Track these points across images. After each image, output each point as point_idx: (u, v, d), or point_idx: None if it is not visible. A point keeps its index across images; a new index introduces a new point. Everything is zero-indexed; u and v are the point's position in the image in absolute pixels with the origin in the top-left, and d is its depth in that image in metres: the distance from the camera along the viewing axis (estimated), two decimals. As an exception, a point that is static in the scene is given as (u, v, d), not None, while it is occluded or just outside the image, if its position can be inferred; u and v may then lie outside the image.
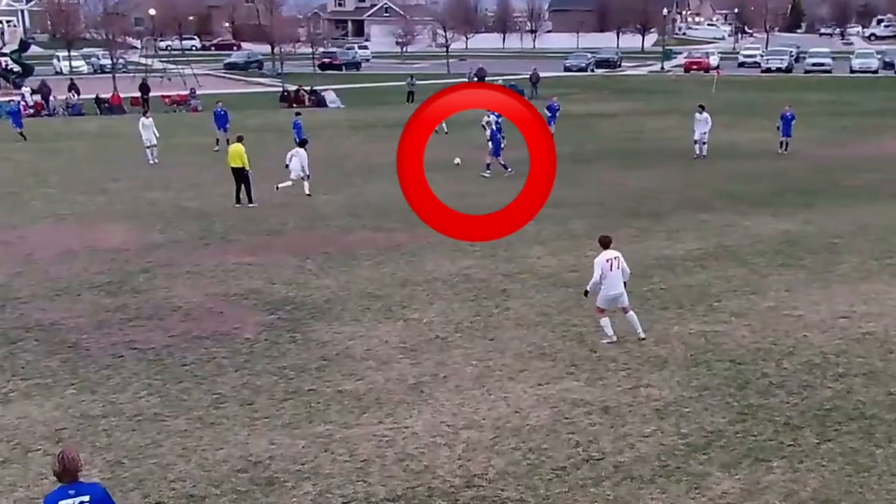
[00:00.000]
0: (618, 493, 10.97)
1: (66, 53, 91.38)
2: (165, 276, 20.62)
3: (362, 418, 13.14)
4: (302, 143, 30.50)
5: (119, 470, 11.71)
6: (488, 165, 32.85)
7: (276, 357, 15.56)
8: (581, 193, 29.33)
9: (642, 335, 15.98)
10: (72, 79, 67.76)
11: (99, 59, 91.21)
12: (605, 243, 15.84)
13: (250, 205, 27.95)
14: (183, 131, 47.42)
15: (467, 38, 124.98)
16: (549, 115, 42.25)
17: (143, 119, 37.31)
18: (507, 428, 12.77)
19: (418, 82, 67.78)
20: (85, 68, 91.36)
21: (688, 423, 12.75)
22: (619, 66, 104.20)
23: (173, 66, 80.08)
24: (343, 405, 13.61)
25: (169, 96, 63.17)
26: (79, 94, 61.46)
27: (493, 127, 33.33)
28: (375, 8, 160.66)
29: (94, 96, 61.64)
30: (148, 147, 36.88)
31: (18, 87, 68.28)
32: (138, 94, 61.89)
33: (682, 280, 19.77)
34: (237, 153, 28.09)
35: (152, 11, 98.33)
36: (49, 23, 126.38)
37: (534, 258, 21.77)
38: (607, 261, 15.60)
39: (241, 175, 28.18)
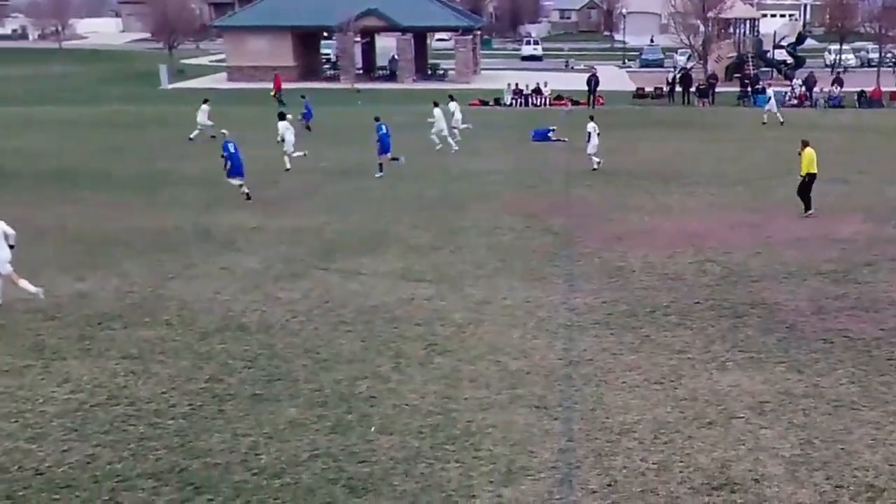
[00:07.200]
0: None
1: (836, 46, 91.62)
2: (889, 271, 20.55)
3: None
4: None
5: (808, 449, 12.17)
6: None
7: None
8: None
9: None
10: (838, 72, 67.96)
11: (868, 52, 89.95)
12: None
13: (808, 212, 25.87)
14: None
15: None
16: None
17: None
18: None
19: None
20: (853, 61, 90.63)
21: None
22: None
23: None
24: None
25: (930, 93, 60.76)
26: (841, 86, 61.64)
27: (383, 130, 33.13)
28: None
29: (856, 90, 61.44)
30: None
31: (789, 78, 70.09)
32: (899, 90, 60.58)
33: None
34: (812, 159, 25.81)
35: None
36: (827, 16, 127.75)
37: None
38: None
39: (811, 182, 25.94)
